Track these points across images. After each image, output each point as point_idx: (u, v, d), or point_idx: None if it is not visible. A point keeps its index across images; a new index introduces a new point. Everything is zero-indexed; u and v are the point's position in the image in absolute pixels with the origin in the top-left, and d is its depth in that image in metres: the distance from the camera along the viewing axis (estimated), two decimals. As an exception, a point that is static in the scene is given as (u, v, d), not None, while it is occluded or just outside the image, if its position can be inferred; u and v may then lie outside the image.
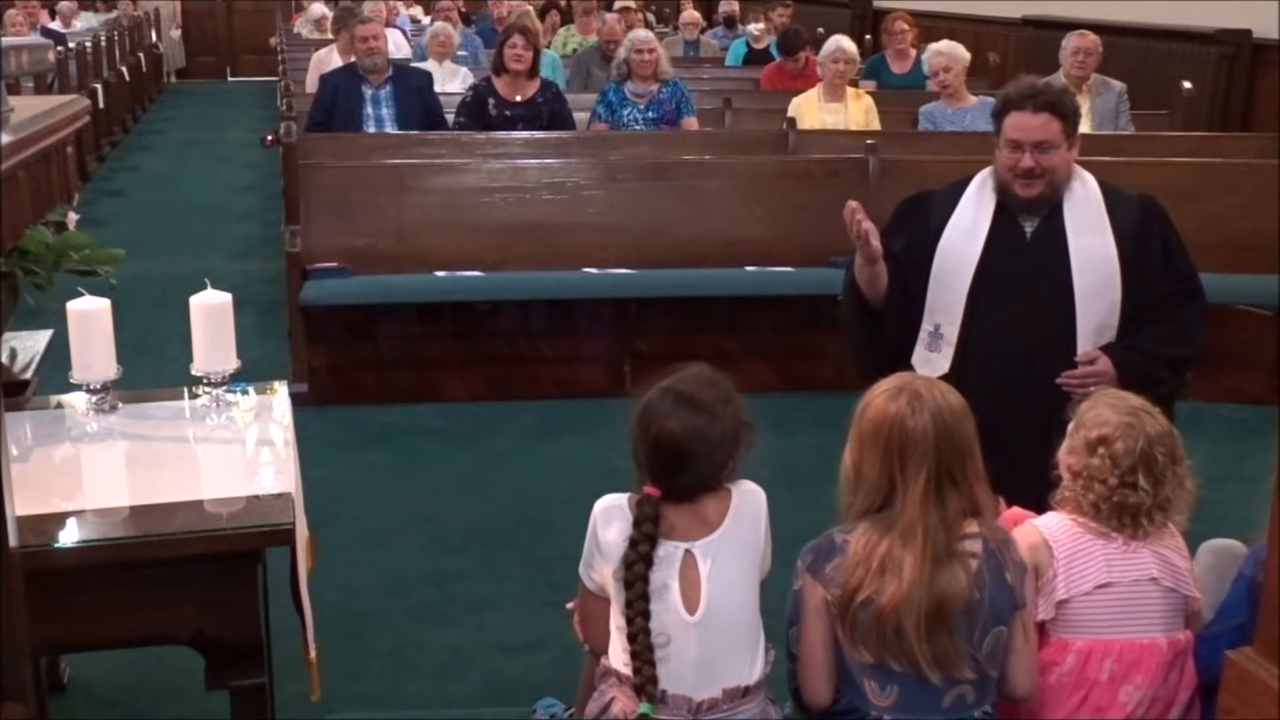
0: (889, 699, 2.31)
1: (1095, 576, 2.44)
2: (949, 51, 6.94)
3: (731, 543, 2.34)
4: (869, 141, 6.23)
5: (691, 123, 7.09)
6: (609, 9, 10.75)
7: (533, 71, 6.73)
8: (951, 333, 3.24)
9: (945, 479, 2.28)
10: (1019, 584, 2.33)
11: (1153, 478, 2.43)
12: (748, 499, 2.38)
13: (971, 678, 2.30)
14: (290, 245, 5.73)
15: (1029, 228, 3.24)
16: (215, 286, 2.98)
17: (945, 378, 3.15)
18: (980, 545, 2.31)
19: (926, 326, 3.28)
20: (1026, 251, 3.23)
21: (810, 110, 7.12)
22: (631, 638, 2.28)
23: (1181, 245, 3.28)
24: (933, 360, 3.25)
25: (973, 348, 3.22)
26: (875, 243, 3.17)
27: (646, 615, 2.27)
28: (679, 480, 2.32)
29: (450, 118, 6.93)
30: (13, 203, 2.92)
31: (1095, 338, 3.17)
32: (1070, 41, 7.04)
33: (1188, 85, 7.73)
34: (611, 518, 2.36)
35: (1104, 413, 2.48)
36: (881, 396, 2.33)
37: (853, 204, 3.16)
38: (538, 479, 4.87)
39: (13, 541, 1.74)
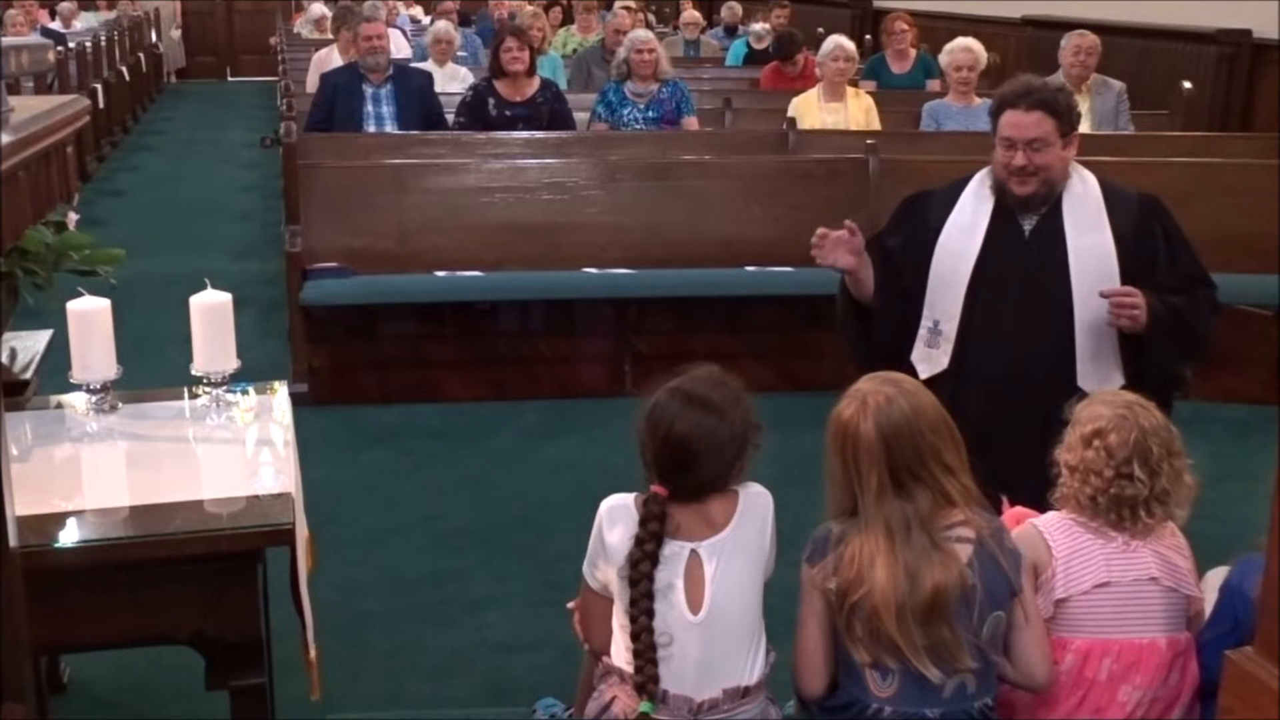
0: (890, 689, 2.33)
1: (1094, 576, 2.45)
2: (976, 49, 6.90)
3: (737, 544, 2.34)
4: (869, 141, 6.22)
5: (691, 122, 7.09)
6: (608, 8, 10.73)
7: (531, 70, 6.74)
8: (950, 329, 3.25)
9: (906, 477, 2.30)
10: (1014, 570, 2.34)
11: (1148, 468, 2.44)
12: (755, 501, 2.39)
13: (973, 666, 2.30)
14: (290, 245, 5.73)
15: (1027, 226, 3.24)
16: (215, 286, 2.98)
17: (945, 374, 3.17)
18: (971, 531, 2.32)
19: (926, 323, 3.29)
20: (1025, 249, 3.23)
21: (810, 110, 7.12)
22: (635, 636, 2.28)
23: (1186, 242, 3.27)
24: (932, 356, 3.26)
25: (971, 344, 3.22)
26: (842, 261, 3.21)
27: (650, 614, 2.28)
28: (687, 480, 2.32)
29: (450, 118, 6.93)
30: (13, 203, 2.92)
31: (1094, 337, 3.17)
32: (1069, 41, 7.02)
33: (1188, 85, 7.73)
34: (617, 517, 2.36)
35: (1098, 408, 2.50)
36: (842, 401, 2.38)
37: (815, 238, 3.21)
38: (538, 479, 4.87)
39: (13, 541, 1.74)
